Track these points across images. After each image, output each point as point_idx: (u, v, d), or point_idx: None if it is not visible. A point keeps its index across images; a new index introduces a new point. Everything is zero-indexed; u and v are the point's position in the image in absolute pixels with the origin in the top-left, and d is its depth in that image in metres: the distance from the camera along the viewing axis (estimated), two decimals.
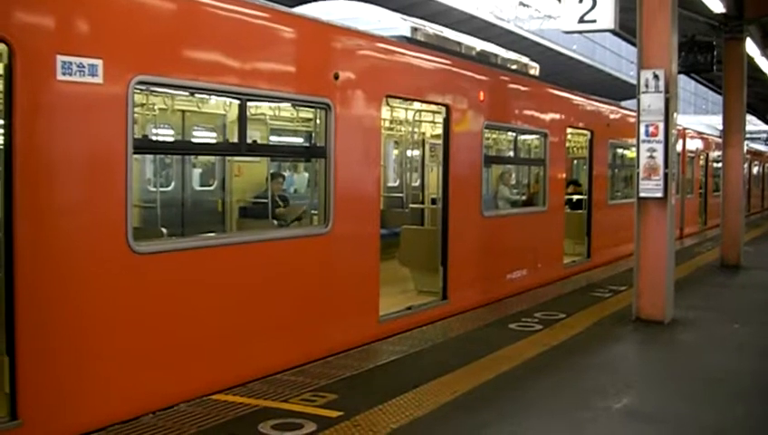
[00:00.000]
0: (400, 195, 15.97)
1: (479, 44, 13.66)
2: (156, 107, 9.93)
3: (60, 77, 6.17)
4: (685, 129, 25.41)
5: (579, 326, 10.74)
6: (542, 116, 15.04)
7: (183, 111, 10.98)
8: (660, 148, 10.83)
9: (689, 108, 67.27)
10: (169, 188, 11.81)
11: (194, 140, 11.84)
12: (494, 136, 15.50)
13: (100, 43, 6.53)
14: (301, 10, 9.83)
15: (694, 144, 27.10)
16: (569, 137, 16.73)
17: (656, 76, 10.84)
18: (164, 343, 7.18)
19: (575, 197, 18.09)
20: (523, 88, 14.44)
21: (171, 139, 11.17)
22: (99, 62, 6.43)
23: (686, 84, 53.70)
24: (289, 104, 10.29)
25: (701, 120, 35.92)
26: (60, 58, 6.17)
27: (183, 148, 10.96)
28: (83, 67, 6.31)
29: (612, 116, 18.84)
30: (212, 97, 10.11)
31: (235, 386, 7.63)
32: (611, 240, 17.93)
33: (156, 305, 7.11)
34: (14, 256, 5.95)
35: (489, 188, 15.68)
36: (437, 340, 9.85)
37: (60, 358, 6.30)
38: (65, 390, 6.35)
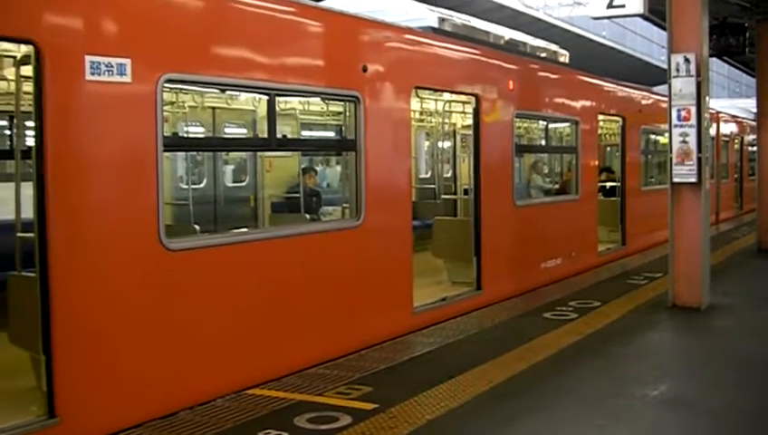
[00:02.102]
0: (432, 186, 15.92)
1: (507, 33, 13.60)
2: (185, 104, 9.97)
3: (89, 77, 6.21)
4: (718, 112, 25.17)
5: (614, 314, 10.68)
6: (573, 103, 14.95)
7: (213, 108, 11.02)
8: (693, 132, 10.73)
9: (723, 91, 66.47)
10: (201, 185, 11.87)
11: (224, 137, 11.88)
12: (525, 125, 15.43)
13: (128, 43, 6.56)
14: (327, 4, 9.82)
15: (728, 128, 26.83)
16: (600, 124, 16.63)
17: (687, 60, 10.73)
18: (198, 339, 7.21)
19: (608, 184, 17.97)
20: (553, 76, 14.36)
21: (201, 136, 11.21)
22: (127, 62, 6.46)
23: (719, 68, 53.05)
24: (318, 98, 10.29)
25: (735, 104, 35.51)
26: (88, 58, 6.20)
27: (213, 144, 11.01)
28: (112, 67, 6.35)
29: (644, 102, 18.69)
30: (241, 93, 10.14)
31: (269, 381, 7.66)
32: (646, 227, 17.80)
33: (189, 302, 7.14)
34: (48, 255, 6.00)
35: (521, 177, 15.62)
36: (472, 330, 9.83)
37: (95, 356, 6.36)
38: (102, 387, 6.40)
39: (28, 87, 6.11)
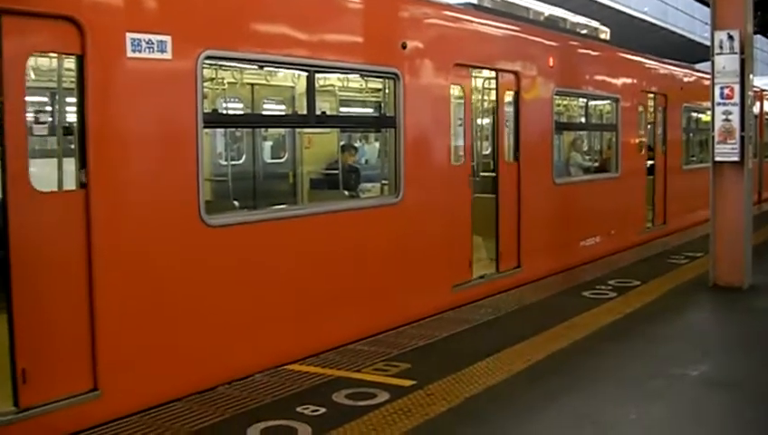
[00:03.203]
0: (471, 163, 15.82)
1: (547, 9, 13.49)
2: (225, 81, 9.99)
3: (130, 54, 6.25)
4: (762, 90, 24.82)
5: (654, 293, 10.60)
6: (614, 81, 14.81)
7: (252, 85, 11.03)
8: (736, 110, 10.59)
9: (767, 69, 65.54)
10: (240, 162, 11.90)
11: (263, 113, 11.90)
12: (565, 102, 15.32)
13: (169, 20, 6.59)
14: None
15: None
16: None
17: (730, 37, 10.58)
18: (237, 314, 7.25)
19: (648, 162, 17.79)
20: (593, 53, 14.23)
21: (241, 112, 11.24)
22: (167, 39, 6.49)
23: (763, 45, 52.27)
24: (357, 75, 10.27)
25: None
26: (129, 36, 6.24)
27: (252, 121, 11.02)
28: (152, 44, 6.38)
29: (686, 79, 18.48)
30: (280, 69, 10.14)
31: (308, 356, 7.70)
32: (687, 206, 17.63)
33: (229, 278, 7.18)
34: (90, 231, 6.05)
35: (561, 154, 15.53)
36: (511, 308, 9.81)
37: (136, 330, 6.42)
38: (142, 361, 6.46)
39: (70, 63, 6.15)
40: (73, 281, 6.05)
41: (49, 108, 7.46)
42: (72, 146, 6.23)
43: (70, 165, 6.21)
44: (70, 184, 6.18)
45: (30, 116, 6.03)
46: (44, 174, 6.41)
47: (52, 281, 5.95)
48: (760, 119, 23.82)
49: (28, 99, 6.05)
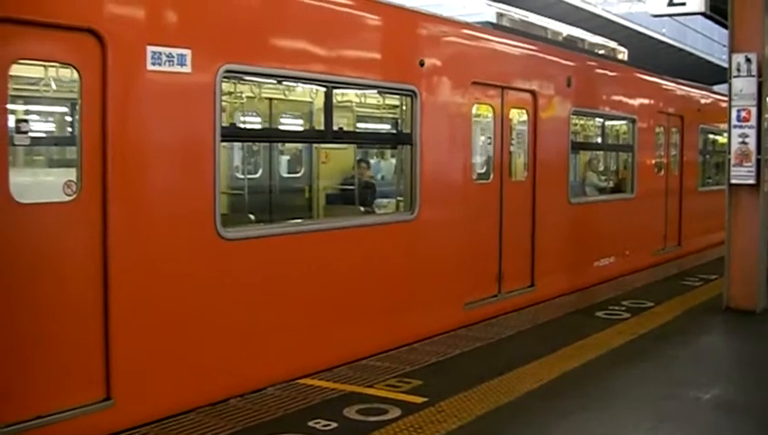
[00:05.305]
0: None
1: (565, 29, 13.52)
2: (243, 95, 10.03)
3: (150, 67, 6.30)
4: None
5: (668, 315, 10.58)
6: (631, 101, 14.82)
7: (270, 99, 11.08)
8: (753, 133, 10.58)
9: None
10: (257, 176, 11.94)
11: (281, 128, 11.95)
12: (582, 122, 15.33)
13: (189, 33, 6.64)
14: None
15: None
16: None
17: (748, 60, 10.58)
18: (251, 328, 7.28)
19: None
20: (611, 73, 14.24)
21: (258, 126, 11.28)
22: (187, 52, 6.54)
23: None
24: (375, 91, 10.31)
25: None
26: (150, 49, 6.29)
27: (270, 135, 11.08)
28: (173, 57, 6.43)
29: (703, 101, 18.47)
30: (298, 85, 10.19)
31: (321, 371, 7.71)
32: (702, 227, 17.60)
33: (244, 291, 7.21)
34: (106, 242, 6.09)
35: (577, 174, 15.53)
36: (524, 327, 9.81)
37: (150, 341, 6.45)
38: (156, 372, 6.49)
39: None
40: (81, 293, 6.05)
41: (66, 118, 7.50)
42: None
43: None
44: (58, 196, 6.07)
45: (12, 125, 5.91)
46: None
47: (46, 293, 5.85)
48: None
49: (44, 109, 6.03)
